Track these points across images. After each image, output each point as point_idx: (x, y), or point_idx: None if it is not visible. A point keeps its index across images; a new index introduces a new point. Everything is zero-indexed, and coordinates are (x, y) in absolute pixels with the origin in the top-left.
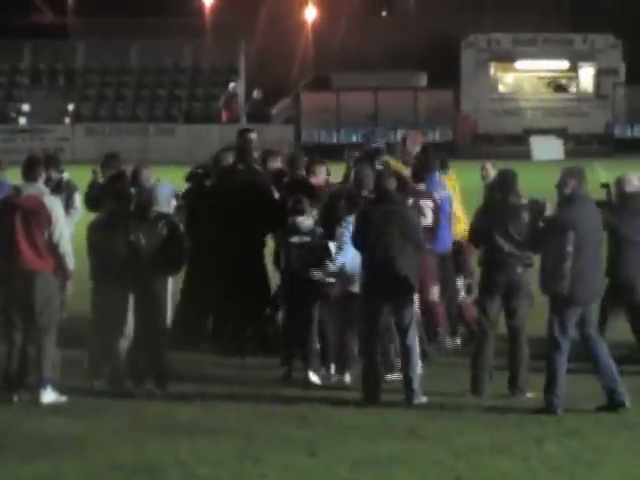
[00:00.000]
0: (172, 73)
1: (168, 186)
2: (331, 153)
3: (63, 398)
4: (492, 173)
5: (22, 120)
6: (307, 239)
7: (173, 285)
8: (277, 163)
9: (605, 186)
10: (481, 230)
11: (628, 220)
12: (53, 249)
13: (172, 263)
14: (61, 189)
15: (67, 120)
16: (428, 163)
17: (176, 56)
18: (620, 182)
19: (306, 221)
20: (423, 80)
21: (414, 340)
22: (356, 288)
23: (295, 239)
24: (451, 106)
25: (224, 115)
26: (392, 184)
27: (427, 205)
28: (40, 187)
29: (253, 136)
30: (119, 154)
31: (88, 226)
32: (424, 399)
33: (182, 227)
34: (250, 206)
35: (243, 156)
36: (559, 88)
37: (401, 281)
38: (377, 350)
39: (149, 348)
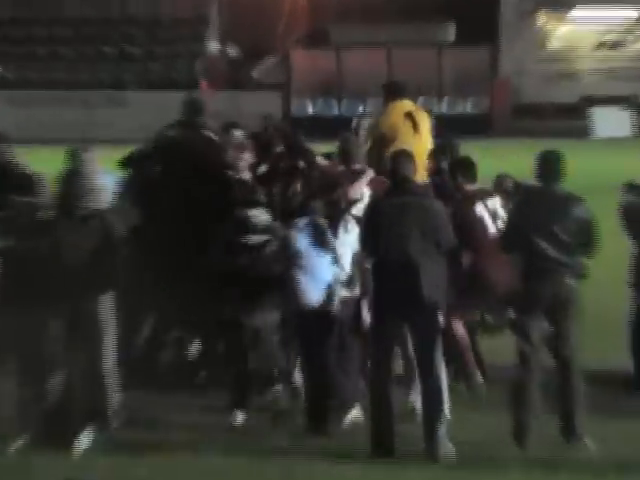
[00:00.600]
0: (122, 25)
1: (111, 175)
2: (330, 129)
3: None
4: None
5: None
6: (264, 239)
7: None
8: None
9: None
10: (517, 230)
11: None
12: None
13: (108, 276)
14: None
15: None
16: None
17: (127, 3)
18: None
19: (262, 216)
20: (450, 34)
21: (440, 374)
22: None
23: (248, 239)
24: (487, 68)
25: (204, 84)
26: (410, 169)
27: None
28: None
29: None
30: (4, 134)
31: None
32: (451, 450)
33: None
34: (202, 192)
35: (190, 121)
36: (615, 46)
37: (422, 294)
38: (390, 386)
39: (90, 385)
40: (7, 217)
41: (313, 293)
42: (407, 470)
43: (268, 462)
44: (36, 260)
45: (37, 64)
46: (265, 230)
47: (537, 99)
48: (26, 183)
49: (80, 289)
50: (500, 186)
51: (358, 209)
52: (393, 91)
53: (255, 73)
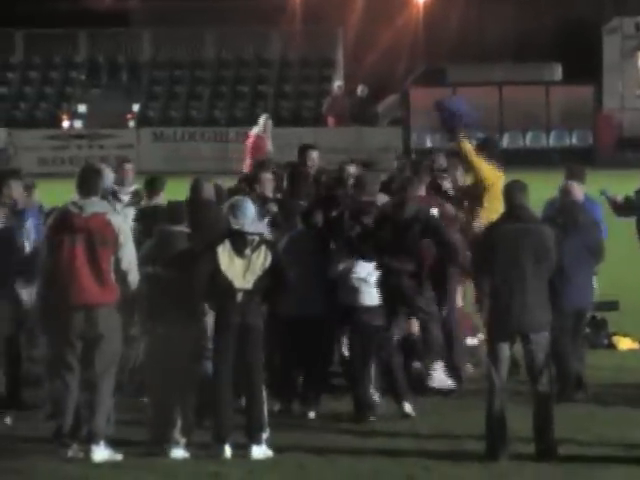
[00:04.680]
0: (255, 67)
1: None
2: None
3: (118, 456)
4: None
5: (77, 123)
6: None
7: None
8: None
9: None
10: None
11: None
12: (121, 277)
13: (271, 293)
14: None
15: (131, 123)
16: None
17: (260, 46)
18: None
19: None
20: (557, 73)
21: (549, 386)
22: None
23: None
24: (591, 104)
25: (330, 120)
26: (523, 198)
27: None
28: (104, 203)
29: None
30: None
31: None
32: (558, 457)
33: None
34: None
35: None
36: None
37: (533, 314)
38: (503, 388)
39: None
40: (157, 245)
41: None
42: (518, 467)
43: (392, 465)
44: (185, 284)
45: (178, 103)
46: None
47: (638, 133)
48: (177, 214)
49: (247, 307)
50: None
51: None
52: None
53: (378, 109)
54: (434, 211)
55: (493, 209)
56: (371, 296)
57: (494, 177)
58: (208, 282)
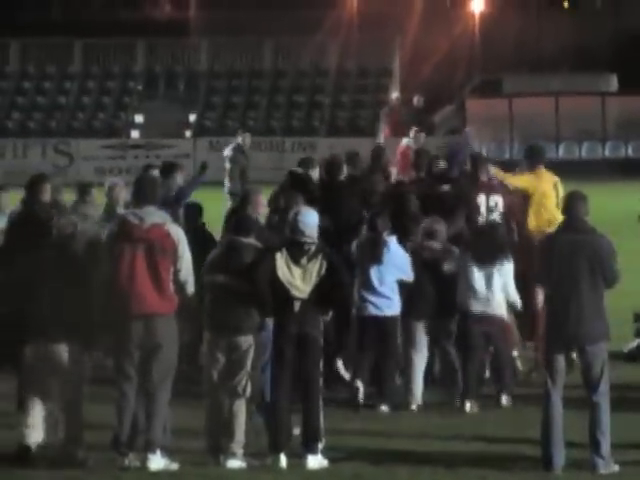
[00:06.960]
0: (312, 76)
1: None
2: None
3: (174, 465)
4: None
5: (134, 133)
6: None
7: None
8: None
9: None
10: None
11: None
12: (179, 288)
13: (328, 302)
14: None
15: (188, 133)
16: None
17: (317, 56)
18: None
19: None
20: (613, 84)
21: (605, 396)
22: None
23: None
24: None
25: (386, 131)
26: (582, 210)
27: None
28: (162, 213)
29: None
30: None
31: (208, 264)
32: (616, 468)
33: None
34: None
35: None
36: None
37: (589, 325)
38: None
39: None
40: (224, 255)
41: None
42: None
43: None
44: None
45: (235, 113)
46: None
47: None
48: (250, 226)
49: (304, 317)
50: None
51: None
52: (541, 156)
53: (434, 120)
54: (499, 199)
55: (540, 216)
56: (476, 303)
57: (531, 187)
58: (267, 291)
